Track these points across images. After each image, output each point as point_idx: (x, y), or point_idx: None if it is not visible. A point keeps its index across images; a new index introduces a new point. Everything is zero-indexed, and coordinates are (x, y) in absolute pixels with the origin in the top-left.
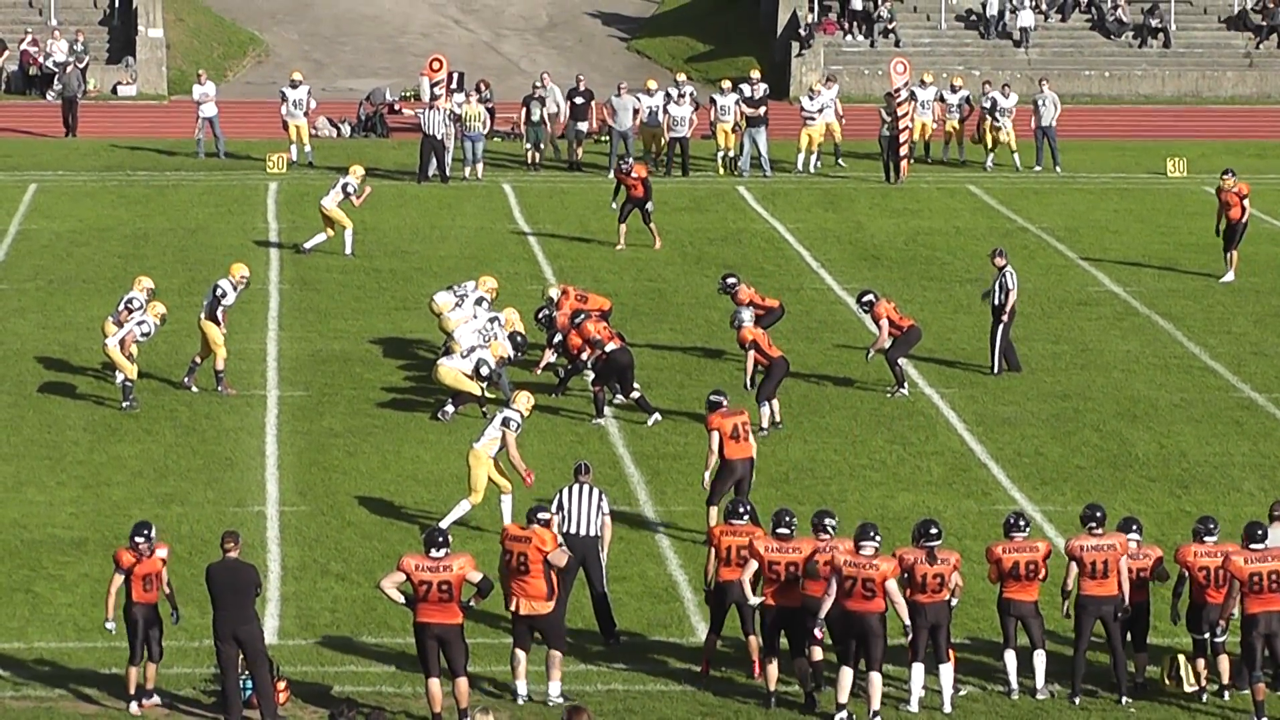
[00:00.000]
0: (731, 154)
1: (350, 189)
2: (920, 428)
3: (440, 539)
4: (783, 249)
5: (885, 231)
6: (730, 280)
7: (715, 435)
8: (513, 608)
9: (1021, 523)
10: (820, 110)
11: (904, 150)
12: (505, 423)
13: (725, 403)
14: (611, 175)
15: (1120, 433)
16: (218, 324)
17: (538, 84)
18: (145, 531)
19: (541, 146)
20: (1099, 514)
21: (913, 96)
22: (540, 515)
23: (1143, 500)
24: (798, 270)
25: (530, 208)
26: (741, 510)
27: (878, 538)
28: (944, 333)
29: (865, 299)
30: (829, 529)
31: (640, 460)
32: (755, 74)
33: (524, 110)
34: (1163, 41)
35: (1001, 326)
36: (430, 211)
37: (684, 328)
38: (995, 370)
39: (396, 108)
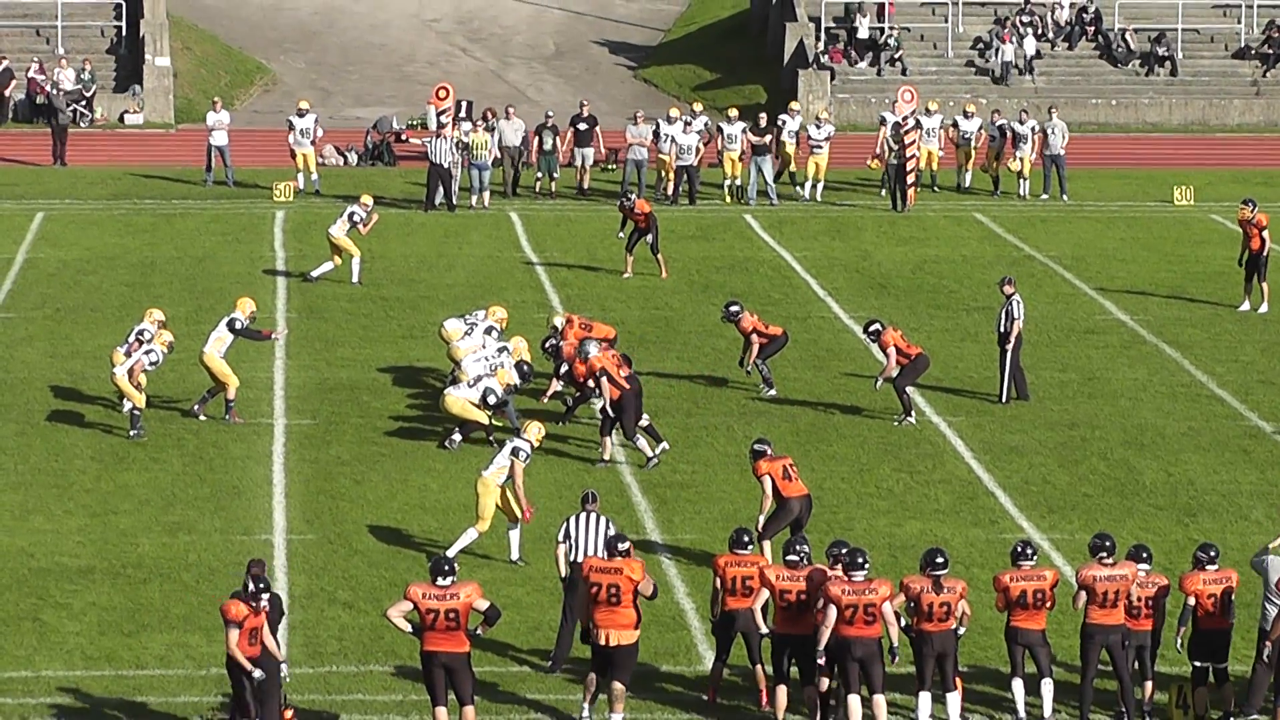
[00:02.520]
0: (738, 182)
1: (358, 218)
2: (927, 456)
3: (447, 567)
4: (790, 277)
5: (892, 260)
6: (734, 308)
7: (768, 480)
8: (601, 640)
9: (1029, 551)
10: (827, 139)
11: (911, 178)
12: (515, 452)
13: (769, 450)
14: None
15: (1128, 461)
16: (219, 355)
17: (549, 112)
18: (262, 583)
19: (555, 175)
20: (1109, 543)
21: (919, 125)
22: (621, 545)
23: (1150, 529)
24: (805, 299)
25: (537, 236)
26: (746, 539)
27: (867, 564)
28: (951, 361)
29: (872, 328)
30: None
31: (647, 489)
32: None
33: (536, 139)
34: (1169, 70)
35: (1009, 354)
36: (437, 240)
37: (691, 356)
38: (1004, 399)
39: (404, 136)
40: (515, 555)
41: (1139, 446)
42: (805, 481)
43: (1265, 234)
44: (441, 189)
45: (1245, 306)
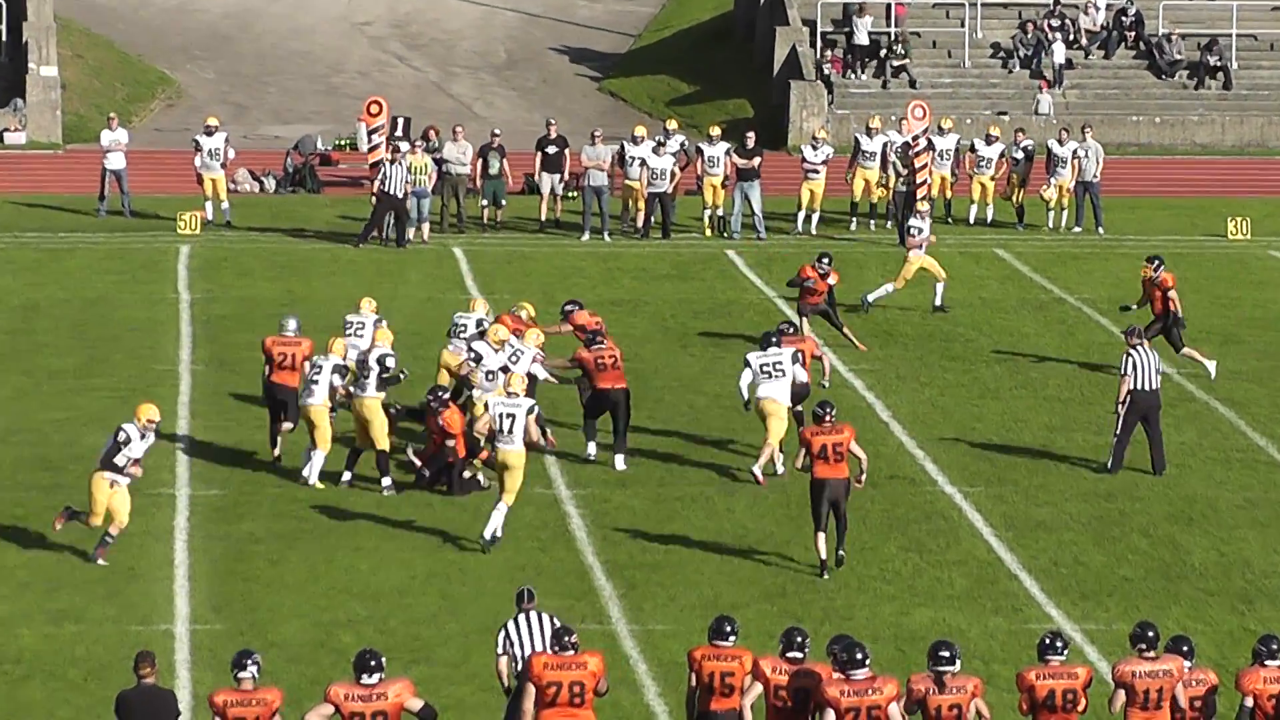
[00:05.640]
0: (720, 212)
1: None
2: (940, 532)
3: (373, 663)
4: (779, 322)
5: (899, 303)
6: (568, 306)
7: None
8: None
9: (1059, 644)
10: (824, 162)
11: (921, 207)
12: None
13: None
14: (585, 237)
15: (1173, 538)
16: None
17: (496, 131)
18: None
19: (502, 203)
20: (1151, 633)
21: (930, 146)
22: (571, 638)
23: (1200, 617)
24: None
25: (485, 275)
26: (728, 629)
27: (868, 660)
28: (968, 421)
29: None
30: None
31: (613, 571)
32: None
33: (480, 162)
34: (1222, 82)
35: (1119, 415)
36: (369, 280)
37: (665, 416)
38: (1111, 467)
39: (330, 158)
40: (490, 532)
41: (1186, 521)
42: (797, 562)
43: (1171, 294)
44: (393, 221)
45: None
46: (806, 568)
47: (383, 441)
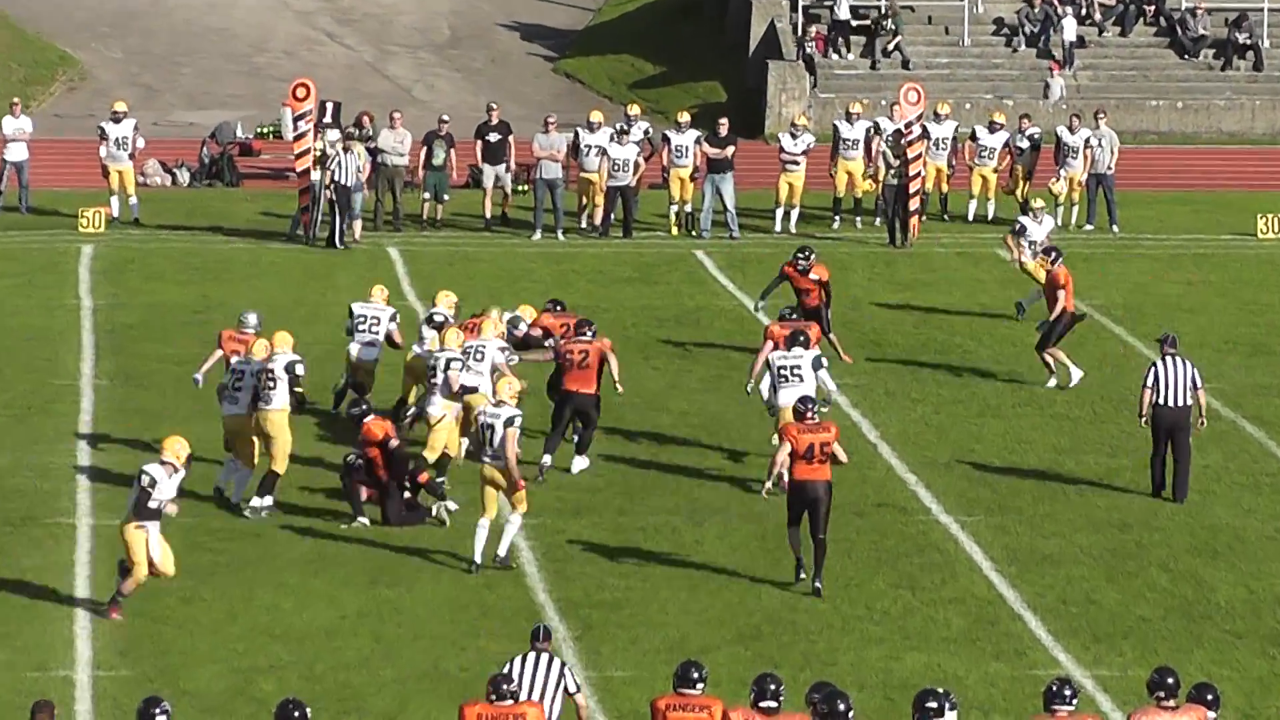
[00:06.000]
0: (689, 208)
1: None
2: (934, 567)
3: (297, 714)
4: (754, 332)
5: (889, 310)
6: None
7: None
8: None
9: (1067, 692)
10: (804, 152)
11: (914, 204)
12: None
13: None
14: (537, 236)
15: (1196, 573)
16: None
17: (444, 118)
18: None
19: (445, 198)
20: (1171, 680)
21: (925, 134)
22: (695, 675)
23: (1226, 661)
24: None
25: (424, 278)
26: (695, 676)
27: (850, 712)
28: (966, 442)
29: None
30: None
31: (567, 610)
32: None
33: (424, 151)
34: (1252, 62)
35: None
36: (295, 284)
37: (626, 435)
38: (1155, 491)
39: (251, 148)
40: (479, 556)
41: (1211, 554)
42: (772, 599)
43: (1061, 292)
44: (337, 216)
45: (1052, 382)
46: (783, 607)
47: (281, 462)
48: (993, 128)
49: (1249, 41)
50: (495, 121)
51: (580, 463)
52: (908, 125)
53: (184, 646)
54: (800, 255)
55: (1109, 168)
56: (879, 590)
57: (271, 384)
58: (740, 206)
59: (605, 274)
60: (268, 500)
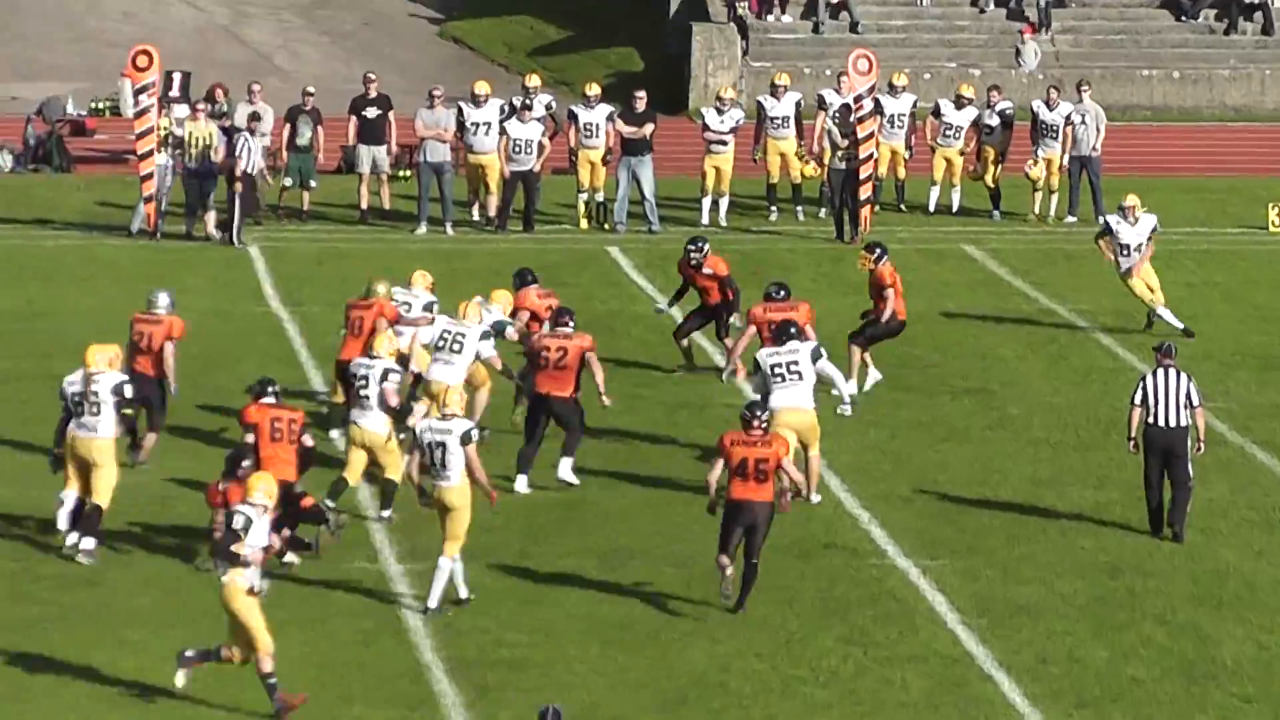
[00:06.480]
0: (601, 197)
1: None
2: (891, 618)
3: None
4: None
5: (837, 316)
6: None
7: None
8: None
9: None
10: (731, 131)
11: (866, 191)
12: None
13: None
14: (421, 229)
15: (1198, 626)
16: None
17: (309, 90)
18: None
19: (313, 184)
20: None
21: (878, 109)
22: None
23: None
24: (701, 379)
25: (289, 279)
26: None
27: None
28: (929, 470)
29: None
30: None
31: (458, 671)
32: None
33: (286, 129)
34: (1261, 25)
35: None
36: (136, 286)
37: None
38: (1153, 528)
39: (84, 126)
40: (436, 602)
41: (1215, 604)
42: (700, 658)
43: (889, 292)
44: (239, 209)
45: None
46: (713, 667)
47: (104, 496)
48: (958, 102)
49: (1257, 0)
50: (373, 95)
51: (566, 467)
52: (857, 99)
53: (5, 714)
54: (692, 248)
55: (1094, 149)
56: (825, 647)
57: (95, 408)
58: (661, 195)
59: (502, 275)
60: (89, 542)
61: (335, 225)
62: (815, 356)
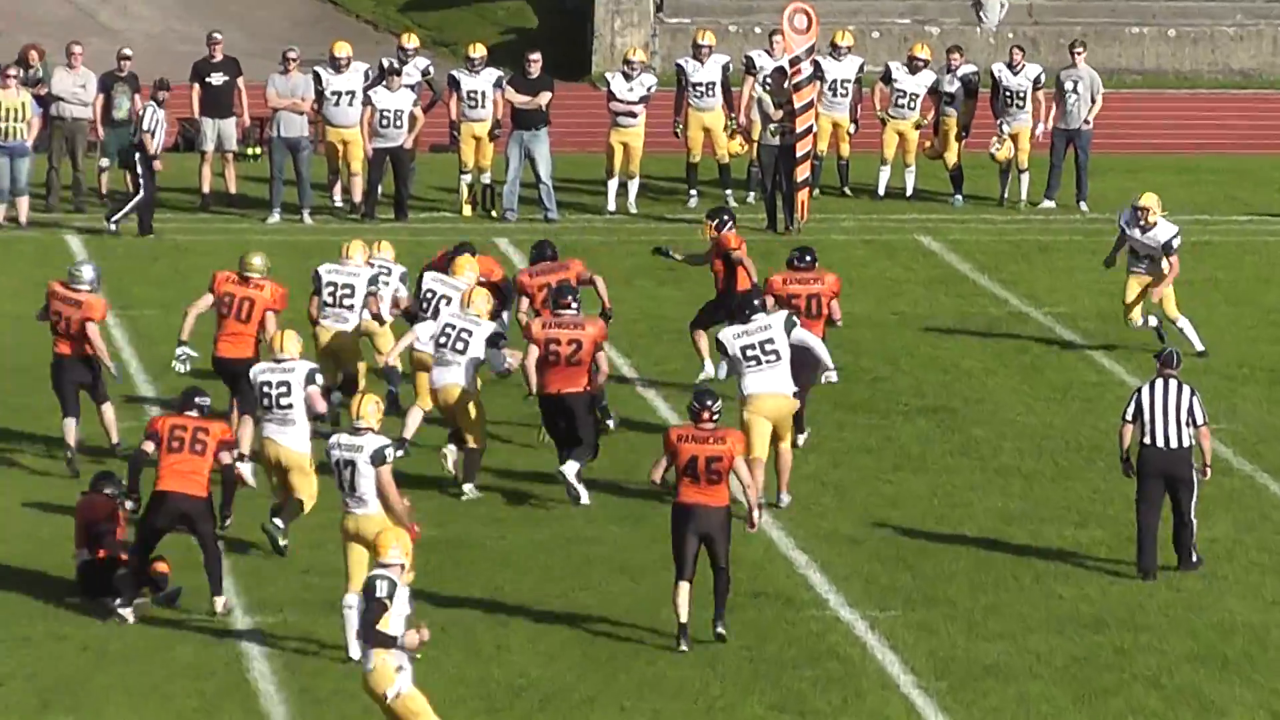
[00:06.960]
0: (487, 179)
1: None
2: (832, 682)
3: None
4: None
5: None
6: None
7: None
8: None
9: None
10: (641, 100)
11: (803, 172)
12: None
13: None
14: (274, 218)
15: (1199, 690)
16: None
17: (125, 53)
18: None
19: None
20: None
21: (818, 74)
22: None
23: None
24: (610, 393)
25: (116, 276)
26: None
27: None
28: (878, 507)
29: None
30: None
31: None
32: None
33: (101, 100)
34: None
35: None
36: None
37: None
38: (1141, 569)
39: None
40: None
41: (1220, 663)
42: None
43: (744, 262)
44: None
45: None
46: None
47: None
48: (912, 66)
49: None
50: (218, 58)
51: (573, 471)
52: (794, 63)
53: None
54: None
55: (1086, 121)
56: (754, 715)
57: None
58: (559, 177)
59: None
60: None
61: (172, 213)
62: (789, 326)
